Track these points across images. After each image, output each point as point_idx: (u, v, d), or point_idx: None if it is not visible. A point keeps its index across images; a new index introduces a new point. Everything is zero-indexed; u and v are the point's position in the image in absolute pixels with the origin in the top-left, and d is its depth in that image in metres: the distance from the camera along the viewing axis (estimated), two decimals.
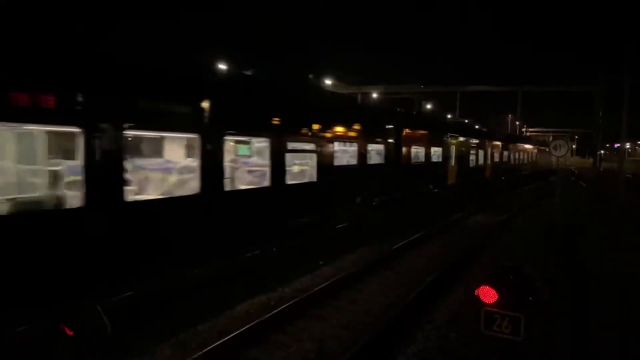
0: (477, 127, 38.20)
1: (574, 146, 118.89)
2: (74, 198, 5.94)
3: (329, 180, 11.29)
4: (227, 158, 8.34)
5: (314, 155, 10.81)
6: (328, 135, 11.36)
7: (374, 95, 53.79)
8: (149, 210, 6.84)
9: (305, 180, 10.76)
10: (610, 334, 5.75)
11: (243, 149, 9.89)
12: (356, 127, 12.84)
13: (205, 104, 7.60)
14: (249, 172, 9.58)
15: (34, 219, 5.52)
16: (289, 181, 9.92)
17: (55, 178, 6.17)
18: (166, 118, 7.09)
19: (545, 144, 49.30)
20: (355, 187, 12.94)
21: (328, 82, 48.75)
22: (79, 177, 5.79)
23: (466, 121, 49.13)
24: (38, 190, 6.12)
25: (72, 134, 5.79)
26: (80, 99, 5.72)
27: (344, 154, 12.54)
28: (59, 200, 6.02)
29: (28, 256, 5.36)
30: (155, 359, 6.49)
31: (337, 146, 11.82)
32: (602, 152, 68.89)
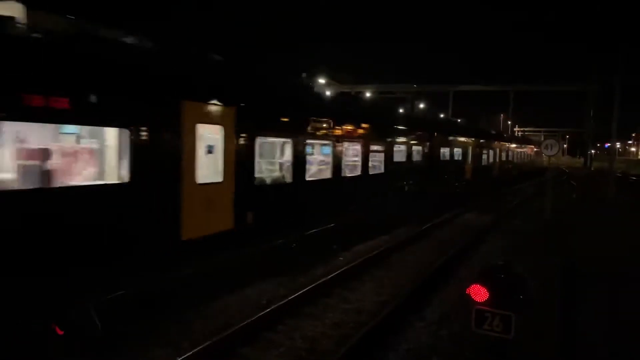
0: (484, 129, 42.06)
1: (565, 146, 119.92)
2: (288, 177, 10.86)
3: (390, 172, 15.95)
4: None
5: (382, 155, 15.47)
6: (389, 141, 16.16)
7: (367, 94, 53.79)
8: (313, 185, 11.82)
9: (376, 172, 15.21)
10: (597, 328, 5.80)
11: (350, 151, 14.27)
12: (409, 134, 17.89)
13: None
14: (353, 166, 14.19)
15: (278, 186, 10.72)
16: (371, 172, 14.76)
17: (280, 166, 11.05)
18: (321, 134, 12.05)
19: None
20: (405, 178, 17.47)
21: (321, 80, 48.68)
22: (290, 166, 10.89)
23: (474, 125, 49.75)
24: (276, 172, 11.06)
25: (287, 143, 10.88)
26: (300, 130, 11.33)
27: (399, 153, 16.92)
28: (284, 178, 10.89)
29: (276, 202, 10.49)
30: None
31: (395, 148, 16.57)
32: (592, 151, 69.48)
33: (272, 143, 10.80)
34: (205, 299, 7.94)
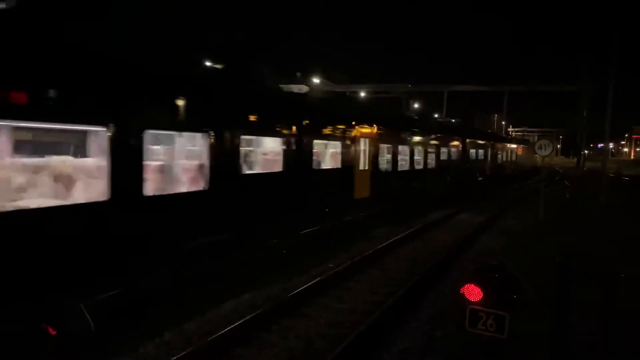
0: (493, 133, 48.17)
1: (558, 146, 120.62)
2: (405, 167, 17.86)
3: (437, 168, 21.71)
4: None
5: (433, 154, 21.33)
6: (436, 143, 21.58)
7: (362, 94, 53.84)
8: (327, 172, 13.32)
9: (430, 167, 20.93)
10: (591, 328, 5.83)
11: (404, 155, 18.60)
12: (447, 139, 23.78)
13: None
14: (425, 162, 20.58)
15: (399, 173, 17.48)
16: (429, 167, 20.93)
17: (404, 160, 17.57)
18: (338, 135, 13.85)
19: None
20: (446, 172, 23.56)
21: (316, 80, 48.65)
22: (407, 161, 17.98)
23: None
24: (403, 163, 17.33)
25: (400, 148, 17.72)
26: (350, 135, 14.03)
27: (443, 153, 22.83)
28: (403, 167, 17.79)
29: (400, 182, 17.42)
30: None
31: (442, 149, 22.32)
32: (586, 152, 69.89)
33: (393, 148, 16.96)
34: None
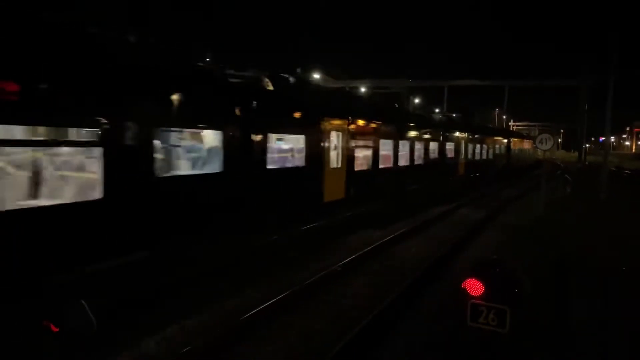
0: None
1: (559, 140, 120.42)
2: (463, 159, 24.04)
3: (485, 162, 28.09)
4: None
5: (492, 151, 28.08)
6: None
7: (362, 89, 53.75)
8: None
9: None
10: (590, 324, 5.85)
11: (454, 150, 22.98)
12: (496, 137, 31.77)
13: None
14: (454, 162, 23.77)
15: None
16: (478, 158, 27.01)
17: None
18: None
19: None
20: (491, 165, 30.65)
21: (316, 76, 48.60)
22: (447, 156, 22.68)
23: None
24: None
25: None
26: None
27: (495, 150, 31.06)
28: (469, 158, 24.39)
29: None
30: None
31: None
32: (587, 145, 69.77)
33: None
34: None
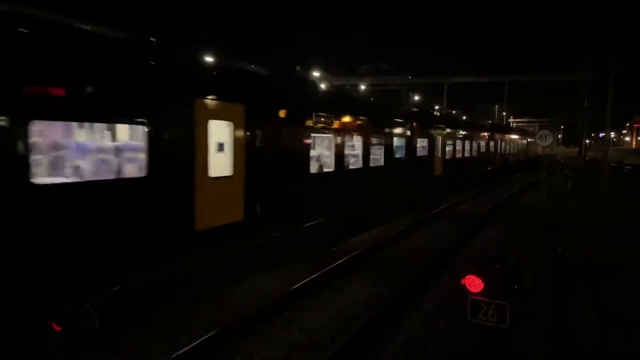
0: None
1: (559, 136, 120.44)
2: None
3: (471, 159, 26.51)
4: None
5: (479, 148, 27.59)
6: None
7: (362, 87, 53.70)
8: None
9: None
10: (591, 317, 5.87)
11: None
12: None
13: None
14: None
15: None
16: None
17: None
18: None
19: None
20: (478, 163, 28.84)
21: (316, 73, 48.54)
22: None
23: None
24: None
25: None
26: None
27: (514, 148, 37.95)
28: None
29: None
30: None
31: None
32: (587, 141, 69.78)
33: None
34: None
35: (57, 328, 5.73)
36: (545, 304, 6.24)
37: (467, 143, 26.51)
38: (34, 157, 5.95)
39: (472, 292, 3.86)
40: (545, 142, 17.43)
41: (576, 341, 5.44)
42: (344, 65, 56.95)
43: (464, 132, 26.21)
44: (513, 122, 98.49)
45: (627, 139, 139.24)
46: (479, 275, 3.84)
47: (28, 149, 5.73)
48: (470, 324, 3.93)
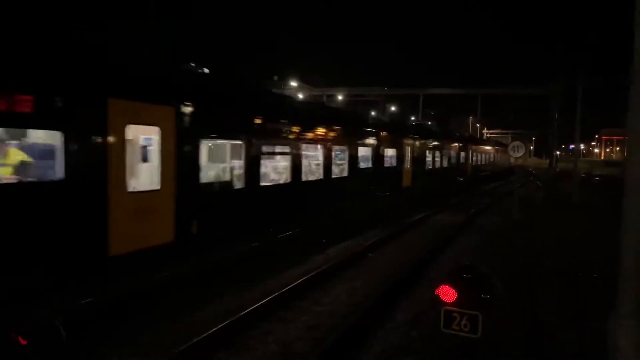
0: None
1: (531, 147, 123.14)
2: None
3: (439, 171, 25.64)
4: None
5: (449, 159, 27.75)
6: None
7: (339, 97, 54.06)
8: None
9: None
10: (561, 326, 5.97)
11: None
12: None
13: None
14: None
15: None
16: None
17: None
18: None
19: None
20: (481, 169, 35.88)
21: (293, 84, 48.66)
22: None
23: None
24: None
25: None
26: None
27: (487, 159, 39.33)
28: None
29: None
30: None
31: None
32: (558, 152, 71.57)
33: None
34: None
35: (23, 342, 5.55)
36: (516, 311, 6.33)
37: (438, 154, 25.74)
38: None
39: (445, 302, 3.89)
40: (518, 153, 17.80)
41: (547, 348, 5.52)
42: (321, 76, 57.29)
43: (435, 143, 25.52)
44: (487, 133, 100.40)
45: (596, 150, 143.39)
46: (452, 285, 3.88)
47: None
48: (444, 334, 3.96)
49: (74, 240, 6.43)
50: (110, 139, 6.80)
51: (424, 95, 58.11)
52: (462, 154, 31.73)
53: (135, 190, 7.39)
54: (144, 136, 7.78)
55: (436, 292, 3.96)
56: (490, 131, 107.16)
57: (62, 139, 6.17)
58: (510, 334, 5.61)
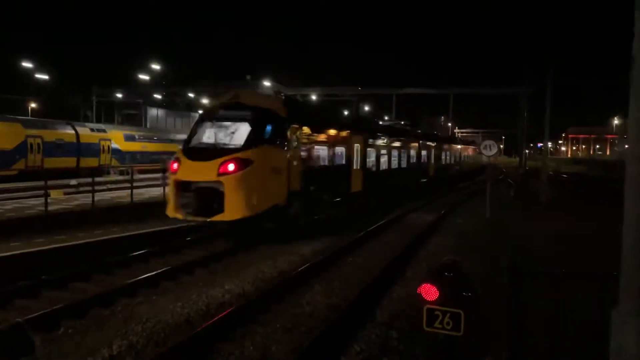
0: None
1: (501, 146, 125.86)
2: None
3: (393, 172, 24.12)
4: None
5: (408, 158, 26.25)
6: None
7: (313, 97, 54.06)
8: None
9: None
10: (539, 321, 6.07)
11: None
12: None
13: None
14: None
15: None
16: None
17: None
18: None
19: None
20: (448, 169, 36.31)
21: (267, 84, 48.43)
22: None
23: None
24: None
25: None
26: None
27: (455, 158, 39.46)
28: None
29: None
30: None
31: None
32: (527, 151, 73.38)
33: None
34: None
35: None
36: (495, 309, 6.42)
37: (396, 152, 23.36)
38: None
39: (427, 301, 3.89)
40: (490, 151, 18.10)
41: (526, 343, 5.60)
42: (296, 75, 57.24)
43: (395, 140, 23.55)
44: (458, 132, 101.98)
45: (563, 148, 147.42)
46: (434, 283, 3.88)
47: None
48: (426, 333, 3.96)
49: (344, 185, 17.09)
50: (355, 147, 17.72)
51: (397, 95, 58.60)
52: (424, 152, 28.61)
53: (355, 168, 17.60)
54: (357, 145, 17.93)
55: (418, 290, 3.96)
56: (462, 130, 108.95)
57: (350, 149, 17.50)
58: (490, 331, 5.67)
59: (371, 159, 19.61)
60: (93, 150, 34.64)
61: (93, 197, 16.26)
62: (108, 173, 34.63)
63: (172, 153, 44.72)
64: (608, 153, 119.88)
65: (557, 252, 11.23)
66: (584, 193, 30.88)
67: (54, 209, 14.99)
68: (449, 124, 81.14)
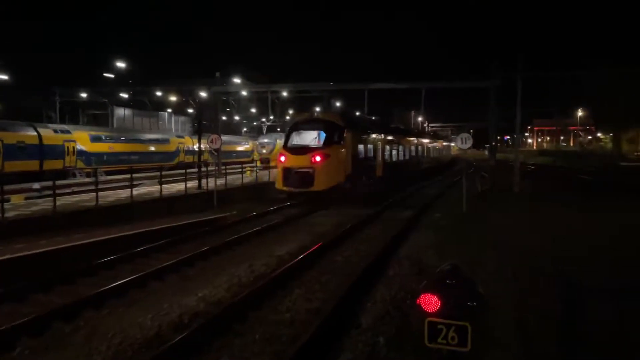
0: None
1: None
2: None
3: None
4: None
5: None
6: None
7: (284, 93, 53.32)
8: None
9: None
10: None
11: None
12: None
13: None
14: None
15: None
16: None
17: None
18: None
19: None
20: (411, 165, 34.70)
21: (237, 80, 47.50)
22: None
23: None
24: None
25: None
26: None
27: (422, 152, 40.79)
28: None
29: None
30: None
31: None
32: (495, 144, 74.44)
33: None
34: None
35: None
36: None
37: (402, 148, 26.15)
38: None
39: (428, 313, 3.46)
40: (466, 144, 17.94)
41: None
42: (263, 74, 56.45)
43: (402, 138, 25.44)
44: (429, 126, 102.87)
45: (530, 140, 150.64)
46: (435, 292, 3.46)
47: None
48: (429, 350, 3.52)
49: (375, 172, 23.93)
50: (379, 145, 24.44)
51: (369, 90, 58.40)
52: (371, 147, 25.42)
53: (379, 160, 23.97)
54: (379, 144, 24.29)
55: (417, 301, 3.53)
56: (432, 124, 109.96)
57: (377, 146, 24.50)
58: (491, 341, 5.31)
59: (387, 153, 25.98)
60: (57, 152, 33.21)
61: (55, 201, 15.33)
62: (74, 175, 33.28)
63: (142, 154, 44.23)
64: (572, 144, 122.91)
65: (533, 246, 11.09)
66: (552, 184, 31.60)
67: (12, 215, 14.03)
68: (419, 119, 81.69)
